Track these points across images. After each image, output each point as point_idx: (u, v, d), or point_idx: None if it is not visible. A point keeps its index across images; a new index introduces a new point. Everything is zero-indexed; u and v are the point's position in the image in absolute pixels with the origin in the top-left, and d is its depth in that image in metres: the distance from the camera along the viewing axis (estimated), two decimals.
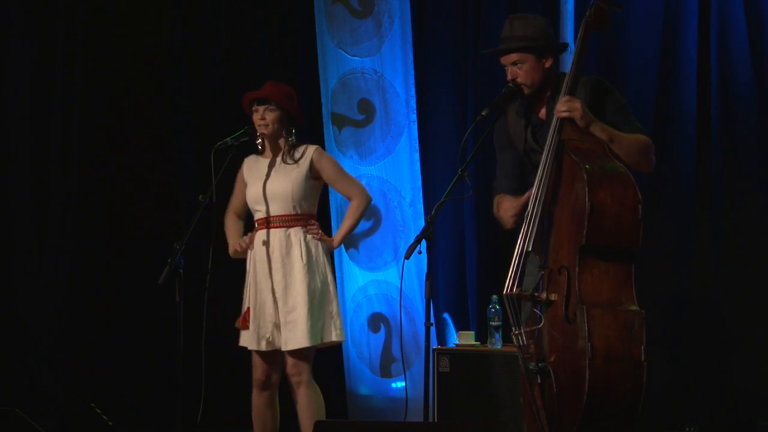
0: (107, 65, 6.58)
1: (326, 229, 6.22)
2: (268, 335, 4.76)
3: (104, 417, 6.00)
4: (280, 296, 4.74)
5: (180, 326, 4.39)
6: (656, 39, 5.76)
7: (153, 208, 6.48)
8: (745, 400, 5.62)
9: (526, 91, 4.17)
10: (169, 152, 6.58)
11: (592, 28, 4.06)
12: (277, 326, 4.75)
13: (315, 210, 4.90)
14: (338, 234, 4.95)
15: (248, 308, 4.80)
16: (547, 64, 4.16)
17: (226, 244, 4.93)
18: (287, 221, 4.80)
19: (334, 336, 4.79)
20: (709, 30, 5.66)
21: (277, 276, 4.76)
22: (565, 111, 3.97)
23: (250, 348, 4.80)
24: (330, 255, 4.91)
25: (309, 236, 4.80)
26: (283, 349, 4.75)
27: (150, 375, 6.29)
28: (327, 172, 4.87)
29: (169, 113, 6.60)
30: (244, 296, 4.86)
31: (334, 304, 4.81)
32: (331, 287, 4.82)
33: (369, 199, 4.99)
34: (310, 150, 4.86)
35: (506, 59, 4.18)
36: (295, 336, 4.71)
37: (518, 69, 4.15)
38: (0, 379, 6.15)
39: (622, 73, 5.78)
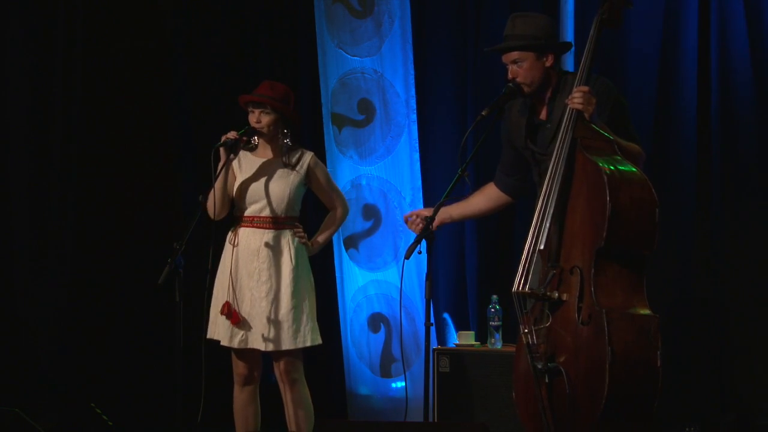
0: (107, 65, 6.57)
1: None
2: (241, 334, 4.76)
3: (104, 417, 5.99)
4: (264, 296, 4.75)
5: (180, 326, 4.39)
6: (656, 39, 5.76)
7: (153, 208, 6.47)
8: (745, 400, 5.62)
9: (526, 90, 4.15)
10: (169, 152, 6.57)
11: (606, 25, 4.04)
12: (254, 326, 4.75)
13: (298, 214, 4.93)
14: (318, 240, 4.97)
15: (227, 302, 4.78)
16: (548, 63, 4.15)
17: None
18: (278, 223, 4.82)
19: (318, 339, 4.87)
20: (709, 30, 5.66)
21: (263, 276, 4.76)
22: (579, 102, 3.91)
23: (223, 343, 4.79)
24: (307, 256, 4.93)
25: (296, 240, 4.83)
26: (266, 349, 4.75)
27: (150, 375, 6.29)
28: (319, 180, 4.93)
29: (169, 113, 6.59)
30: (217, 289, 4.84)
31: (313, 306, 4.88)
32: (314, 292, 4.89)
33: (348, 212, 5.11)
34: (307, 156, 4.89)
35: (507, 58, 4.17)
36: (282, 337, 4.73)
37: (518, 67, 4.14)
38: (0, 379, 6.14)
39: (622, 73, 5.78)
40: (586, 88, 3.93)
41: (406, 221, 4.42)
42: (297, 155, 4.87)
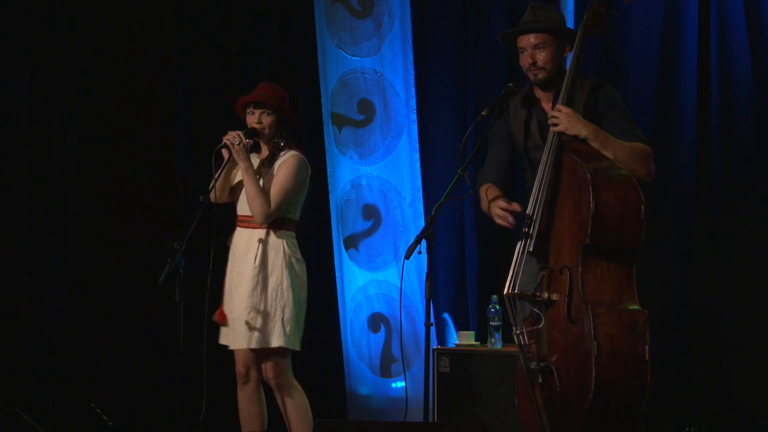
0: (107, 65, 6.57)
1: (327, 230, 6.24)
2: (232, 333, 4.78)
3: (104, 417, 5.99)
4: (249, 296, 4.74)
5: (180, 326, 4.39)
6: (656, 39, 5.76)
7: (153, 208, 6.47)
8: (745, 400, 5.63)
9: (541, 76, 4.14)
10: (169, 152, 6.57)
11: (591, 31, 4.06)
12: (240, 324, 4.75)
13: (290, 215, 4.83)
14: (244, 162, 4.70)
15: (221, 304, 4.81)
16: (565, 54, 4.16)
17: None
18: (253, 222, 4.79)
19: (278, 342, 4.71)
20: (709, 30, 5.67)
21: (233, 275, 4.79)
22: (553, 125, 4.01)
23: (221, 342, 4.82)
24: (296, 260, 4.82)
25: (286, 241, 4.77)
26: (250, 346, 4.74)
27: (150, 375, 6.29)
28: (278, 173, 4.77)
29: (169, 113, 6.59)
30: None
31: (287, 310, 4.74)
32: (287, 293, 4.75)
33: (265, 217, 4.70)
34: (287, 155, 4.82)
35: (527, 42, 4.15)
36: (236, 336, 4.73)
37: (539, 52, 4.12)
38: (0, 379, 6.14)
39: (622, 73, 5.78)
40: (568, 110, 3.96)
41: (500, 216, 4.18)
42: (282, 156, 4.82)
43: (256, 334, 4.71)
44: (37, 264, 6.34)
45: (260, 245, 4.75)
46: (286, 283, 4.76)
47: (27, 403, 5.87)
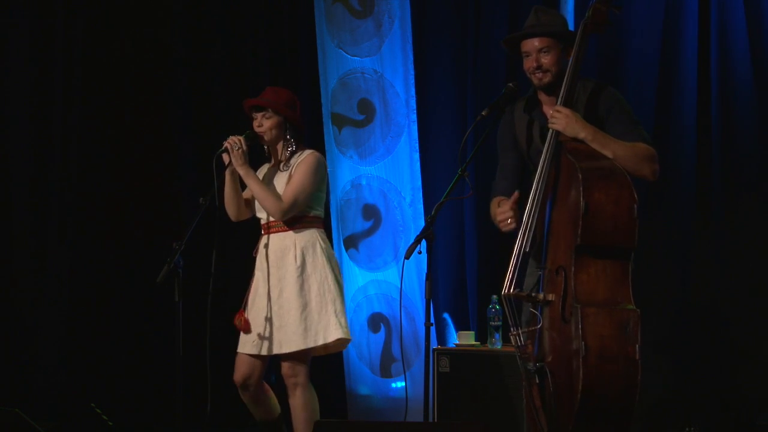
0: (107, 66, 6.57)
1: (327, 231, 6.23)
2: (254, 339, 4.76)
3: (104, 417, 5.99)
4: (275, 300, 4.74)
5: (179, 326, 4.39)
6: (656, 39, 5.76)
7: (153, 208, 6.47)
8: (745, 401, 5.62)
9: (546, 79, 4.13)
10: (169, 152, 6.57)
11: (591, 29, 4.06)
12: (268, 330, 4.74)
13: (315, 212, 4.85)
14: (244, 172, 4.69)
15: (241, 310, 4.80)
16: (568, 57, 4.16)
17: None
18: (284, 225, 4.79)
19: (336, 334, 4.74)
20: (709, 30, 5.66)
21: (273, 280, 4.76)
22: (553, 123, 4.01)
23: (240, 350, 4.80)
24: (331, 254, 4.87)
25: (305, 238, 4.78)
26: (275, 352, 4.74)
27: (150, 375, 6.29)
28: (296, 171, 4.78)
29: (169, 113, 6.59)
30: (247, 299, 4.86)
31: (338, 302, 4.77)
32: (332, 286, 4.77)
33: (281, 213, 4.71)
34: (304, 154, 4.82)
35: (531, 46, 4.13)
36: (289, 339, 4.70)
37: (543, 56, 4.12)
38: (0, 379, 6.15)
39: (622, 73, 5.78)
40: (567, 111, 3.96)
41: (501, 221, 4.14)
42: (298, 156, 4.84)
43: (311, 332, 4.71)
44: (37, 264, 6.35)
45: (296, 245, 4.75)
46: (330, 277, 4.78)
47: (27, 403, 5.87)
